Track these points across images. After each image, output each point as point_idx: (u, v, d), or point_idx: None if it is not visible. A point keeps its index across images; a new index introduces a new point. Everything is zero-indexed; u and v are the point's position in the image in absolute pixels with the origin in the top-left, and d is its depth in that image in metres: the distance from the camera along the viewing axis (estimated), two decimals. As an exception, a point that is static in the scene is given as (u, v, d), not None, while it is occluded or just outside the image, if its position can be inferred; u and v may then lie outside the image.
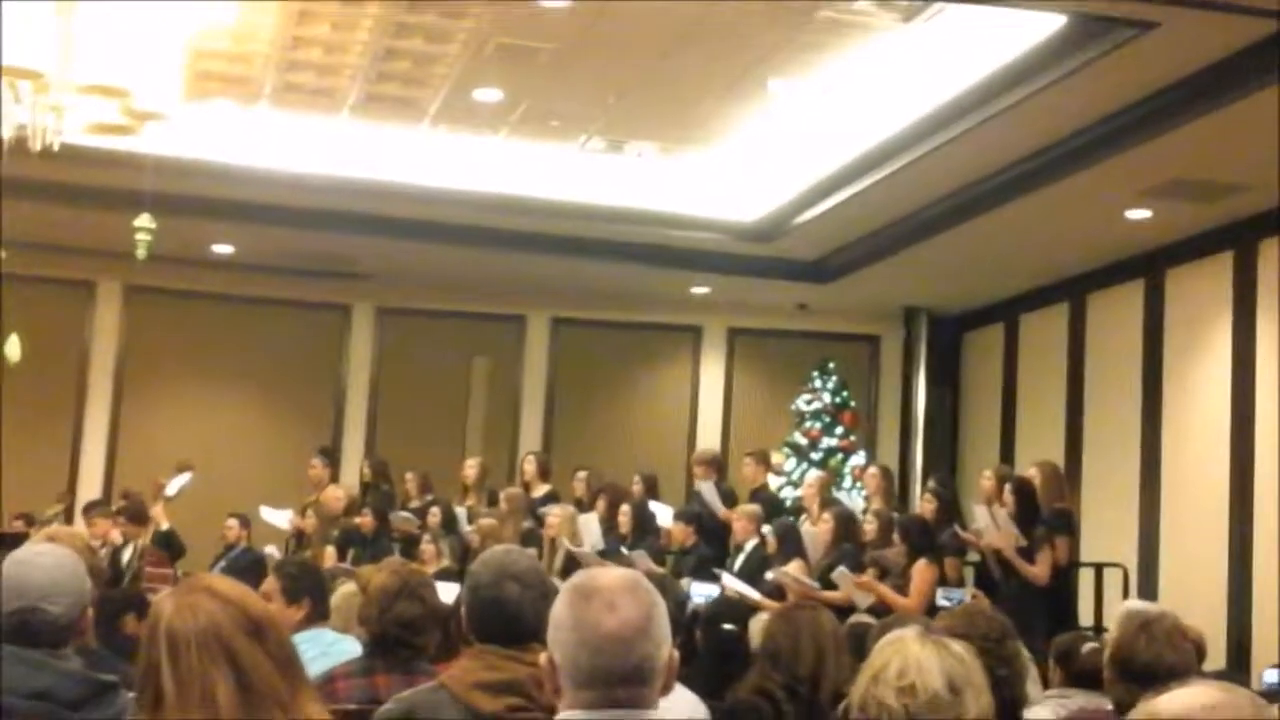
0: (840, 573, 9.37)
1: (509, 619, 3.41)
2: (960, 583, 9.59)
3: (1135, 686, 3.79)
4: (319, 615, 5.18)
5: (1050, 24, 8.68)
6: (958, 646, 3.24)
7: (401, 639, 4.43)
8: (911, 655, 3.10)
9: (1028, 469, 9.90)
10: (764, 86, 10.49)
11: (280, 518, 12.28)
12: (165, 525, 12.02)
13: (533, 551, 5.26)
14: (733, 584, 9.58)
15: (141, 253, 10.48)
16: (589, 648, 2.54)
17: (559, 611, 2.60)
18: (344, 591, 5.83)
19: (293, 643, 2.69)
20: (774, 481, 12.54)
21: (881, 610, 8.39)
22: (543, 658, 2.64)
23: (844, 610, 8.85)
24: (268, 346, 15.33)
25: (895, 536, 9.67)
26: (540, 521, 11.18)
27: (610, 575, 2.66)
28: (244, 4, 9.61)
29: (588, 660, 2.54)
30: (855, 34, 9.59)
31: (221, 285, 15.09)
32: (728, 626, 6.04)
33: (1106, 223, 11.59)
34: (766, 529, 10.24)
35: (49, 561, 3.60)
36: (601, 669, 2.54)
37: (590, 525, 10.84)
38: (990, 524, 9.36)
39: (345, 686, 4.25)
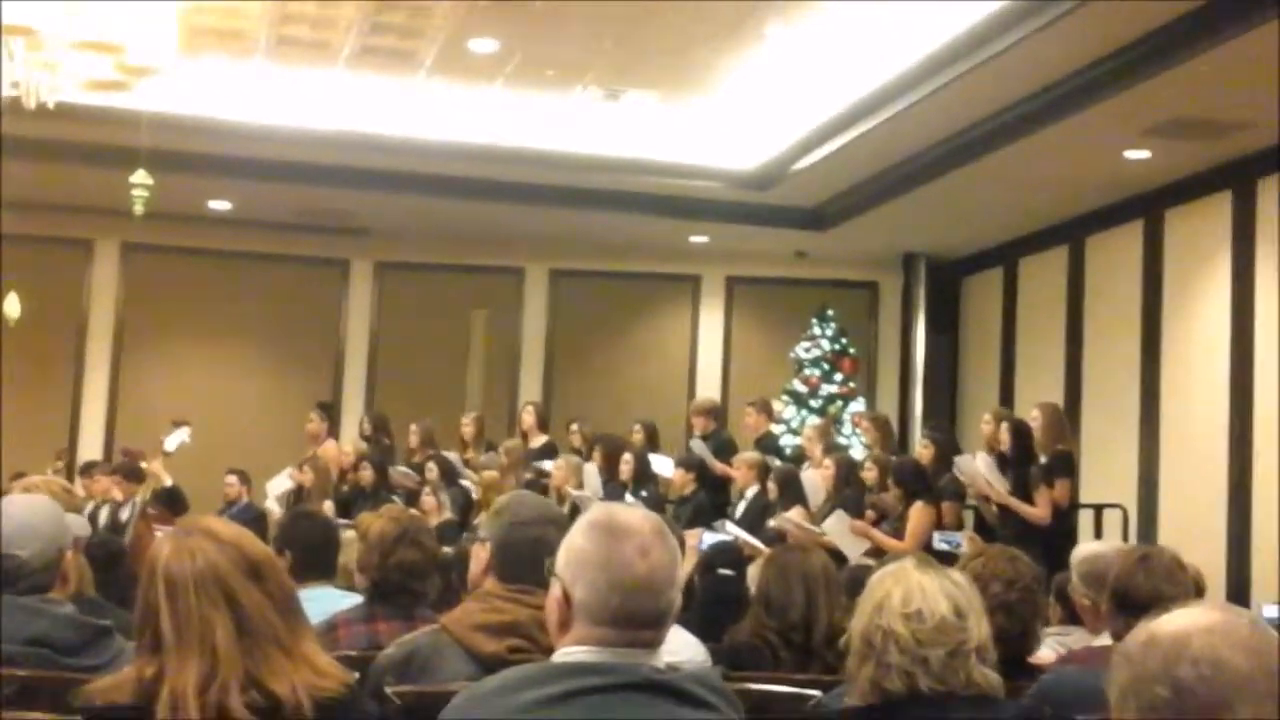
0: (835, 517, 9.40)
1: (543, 561, 3.42)
2: (959, 526, 9.61)
3: (1134, 620, 3.81)
4: (314, 569, 5.03)
5: (1045, -36, 8.64)
6: (956, 574, 3.25)
7: (402, 585, 4.44)
8: (914, 583, 3.12)
9: (1029, 411, 9.91)
10: (761, 32, 10.44)
11: (281, 484, 12.27)
12: (168, 481, 12.03)
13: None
14: (734, 531, 9.62)
15: (138, 209, 10.47)
16: (621, 589, 2.56)
17: (583, 547, 2.61)
18: (345, 539, 5.83)
19: (291, 584, 2.70)
20: (775, 430, 12.56)
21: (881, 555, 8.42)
22: (555, 590, 2.65)
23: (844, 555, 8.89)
24: (266, 302, 15.33)
25: (889, 480, 9.70)
26: (539, 473, 11.21)
27: (637, 516, 2.68)
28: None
29: (617, 600, 2.56)
30: (850, -23, 9.54)
31: (219, 241, 15.07)
32: (724, 571, 6.07)
33: (1106, 164, 11.56)
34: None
35: (17, 509, 3.61)
36: (630, 610, 2.57)
37: (590, 474, 10.87)
38: (974, 473, 9.38)
39: (346, 633, 4.26)
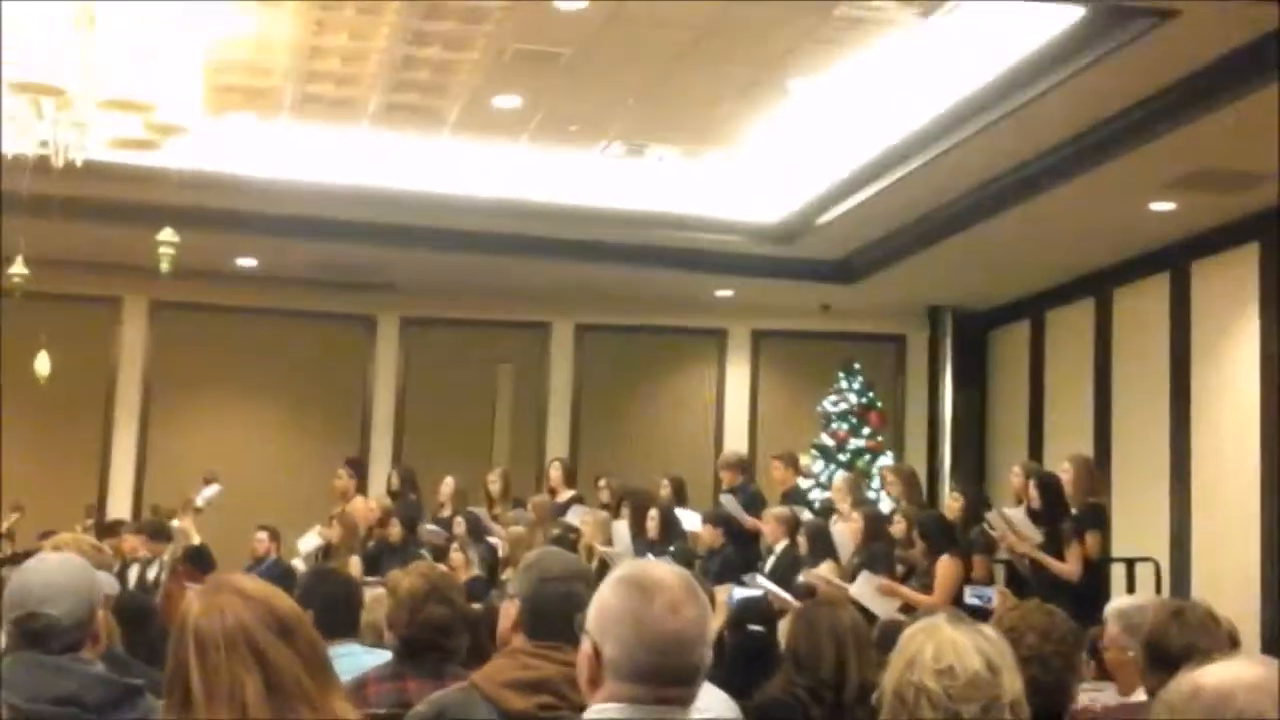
0: (862, 578, 9.33)
1: (573, 617, 3.40)
2: (990, 581, 9.55)
3: (1168, 675, 3.77)
4: (338, 627, 5.00)
5: (1069, 15, 8.64)
6: (988, 629, 3.22)
7: (431, 642, 4.41)
8: (946, 638, 3.09)
9: (1059, 465, 9.86)
10: (783, 86, 10.47)
11: (310, 541, 12.26)
12: (196, 539, 12.03)
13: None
14: (764, 586, 9.57)
15: (165, 267, 10.52)
16: (651, 646, 2.54)
17: (612, 604, 2.60)
18: (373, 596, 5.81)
19: (321, 642, 2.68)
20: (803, 484, 12.52)
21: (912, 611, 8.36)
22: (586, 646, 2.64)
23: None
24: (293, 359, 15.37)
25: (915, 534, 9.64)
26: (566, 529, 11.17)
27: (667, 572, 2.67)
28: (261, 15, 9.64)
29: (646, 658, 2.55)
30: (873, 30, 9.56)
31: (246, 299, 15.13)
32: (754, 627, 6.03)
33: (1131, 216, 11.55)
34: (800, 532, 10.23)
35: (50, 566, 3.61)
36: (660, 667, 2.55)
37: (620, 530, 10.84)
38: (1005, 528, 9.32)
39: (376, 690, 4.24)
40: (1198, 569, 11.93)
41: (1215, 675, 1.99)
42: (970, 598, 8.92)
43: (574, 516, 11.33)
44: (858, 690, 4.61)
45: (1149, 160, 10.02)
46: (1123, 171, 10.28)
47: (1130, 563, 11.23)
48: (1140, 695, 4.29)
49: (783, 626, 6.36)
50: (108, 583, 4.31)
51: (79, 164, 8.54)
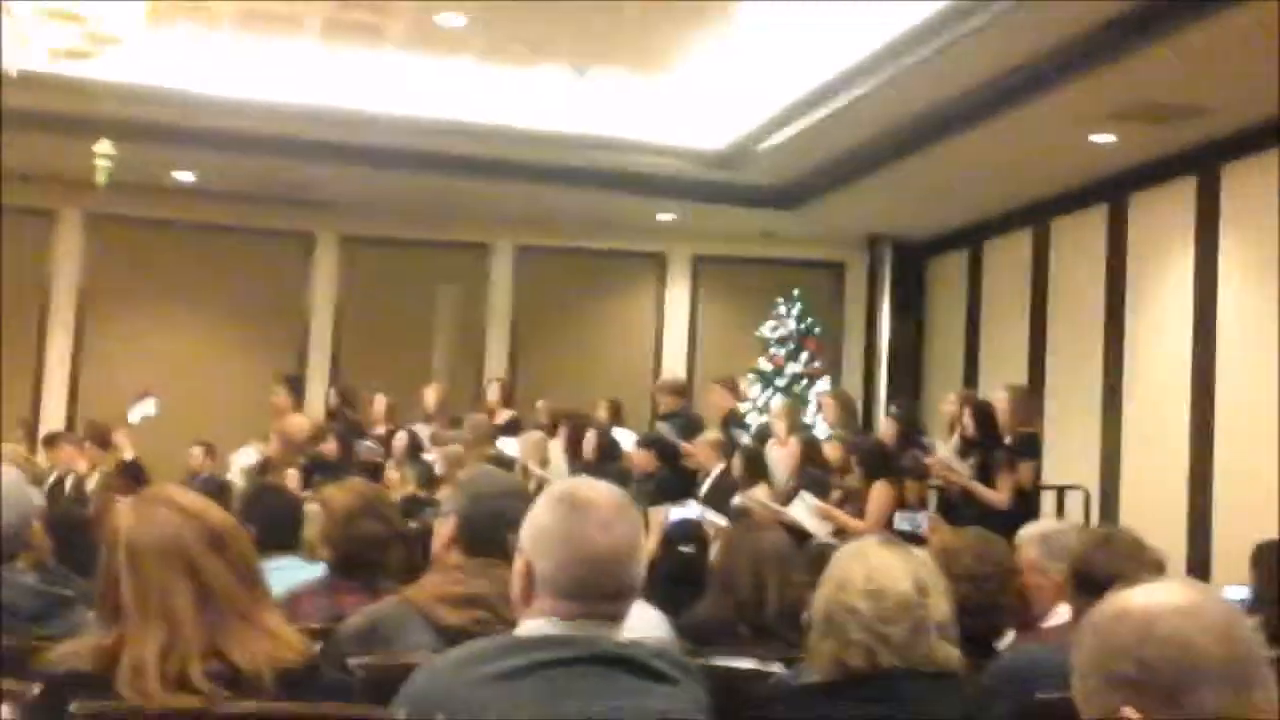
0: (800, 500, 9.41)
1: (507, 535, 3.41)
2: (923, 505, 9.64)
3: (1094, 599, 3.82)
4: (278, 542, 5.04)
5: (1015, -55, 8.64)
6: (918, 552, 3.27)
7: (365, 557, 4.42)
8: (876, 560, 3.13)
9: (994, 393, 9.93)
10: (727, 10, 10.42)
11: (246, 456, 12.22)
12: (129, 454, 11.97)
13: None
14: (697, 509, 9.62)
15: (102, 179, 10.42)
16: (583, 563, 2.57)
17: (545, 521, 2.62)
18: (309, 512, 5.80)
19: (254, 554, 2.69)
20: (739, 407, 12.57)
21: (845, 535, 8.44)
22: (519, 563, 2.66)
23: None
24: (232, 275, 15.25)
25: (853, 460, 9.72)
26: (502, 454, 11.19)
27: (600, 491, 2.69)
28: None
29: (580, 574, 2.57)
30: (820, -44, 9.52)
31: (184, 213, 14.98)
32: (686, 549, 6.08)
33: (1071, 147, 11.59)
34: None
35: None
36: (592, 584, 2.58)
37: (555, 452, 10.87)
38: (935, 462, 9.42)
39: (308, 604, 4.24)
40: (1126, 498, 12.08)
41: (1143, 598, 2.01)
42: (900, 522, 9.00)
43: (508, 447, 11.33)
44: (778, 611, 4.66)
45: (1090, 91, 10.05)
46: (1063, 102, 10.31)
47: (1060, 490, 11.36)
48: (1059, 618, 4.35)
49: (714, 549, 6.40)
50: (37, 495, 4.30)
51: (14, 74, 8.43)
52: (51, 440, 12.72)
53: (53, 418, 14.75)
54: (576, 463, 10.80)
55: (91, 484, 11.45)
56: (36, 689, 2.52)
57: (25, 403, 14.79)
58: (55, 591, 3.45)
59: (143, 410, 12.08)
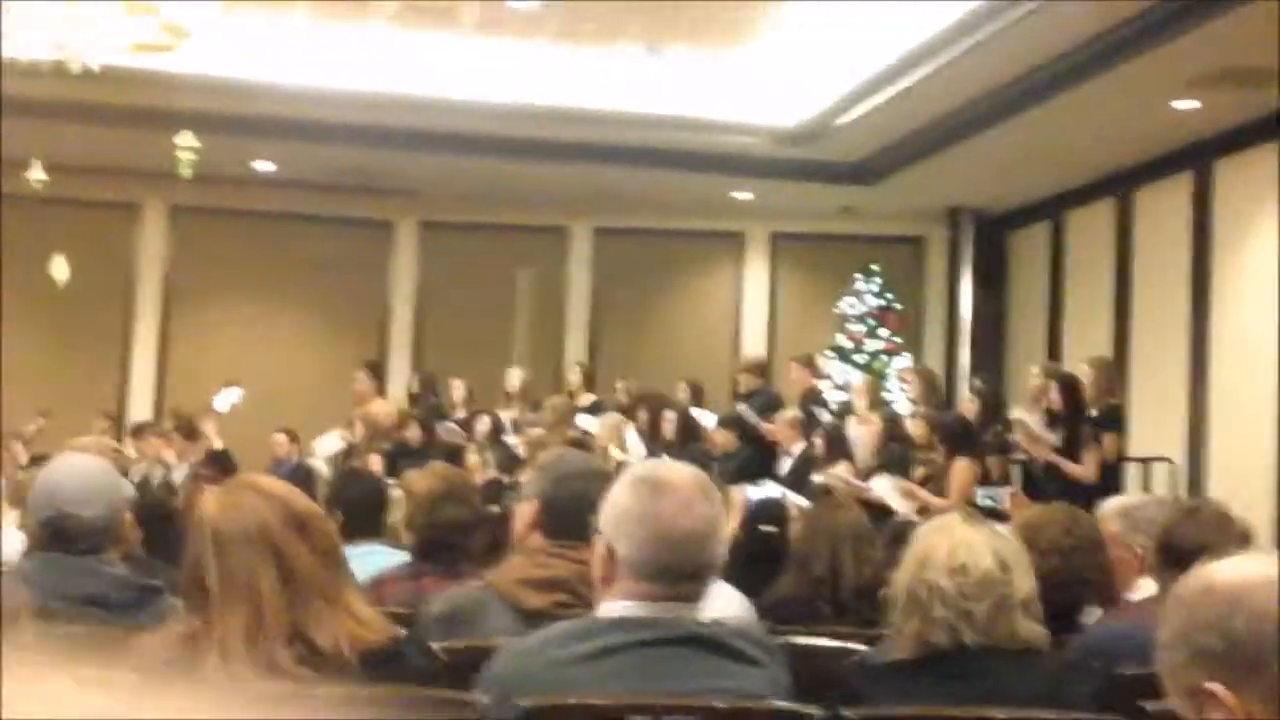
0: (880, 478, 9.37)
1: (588, 517, 3.43)
2: (1006, 481, 9.57)
3: (1180, 572, 3.79)
4: (364, 528, 5.06)
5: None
6: (1002, 528, 3.25)
7: (448, 542, 4.44)
8: (960, 537, 3.12)
9: (1077, 366, 9.85)
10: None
11: (331, 443, 12.34)
12: (218, 443, 12.11)
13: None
14: (777, 488, 9.62)
15: (184, 172, 10.52)
16: (664, 544, 2.58)
17: (626, 503, 2.63)
18: (392, 497, 5.85)
19: (337, 539, 2.72)
20: (820, 386, 12.55)
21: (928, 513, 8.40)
22: (600, 546, 2.67)
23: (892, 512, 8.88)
24: (313, 263, 15.37)
25: (935, 437, 9.66)
26: (583, 432, 11.23)
27: (679, 472, 2.70)
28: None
29: (661, 555, 2.58)
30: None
31: (265, 203, 15.13)
32: (767, 528, 6.08)
33: (1153, 115, 11.44)
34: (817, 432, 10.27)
35: (77, 468, 3.64)
36: (673, 565, 2.59)
37: (632, 436, 10.89)
38: (1024, 435, 9.33)
39: (392, 589, 4.28)
40: (1213, 470, 11.94)
41: (1229, 571, 2.00)
42: (982, 499, 8.94)
43: (588, 424, 11.38)
44: (855, 588, 4.65)
45: (1172, 58, 9.91)
46: (1145, 69, 10.18)
47: (1146, 462, 11.25)
48: (1145, 591, 4.31)
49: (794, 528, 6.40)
50: (127, 486, 4.35)
51: (96, 69, 8.53)
52: (139, 431, 12.91)
53: (139, 409, 14.95)
54: (656, 443, 10.81)
55: (179, 474, 11.59)
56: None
57: (112, 395, 15.01)
58: (144, 582, 3.49)
59: (228, 399, 12.21)
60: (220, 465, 12.03)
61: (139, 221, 15.46)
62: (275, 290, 15.46)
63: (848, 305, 14.71)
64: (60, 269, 12.38)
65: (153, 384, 15.38)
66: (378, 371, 13.81)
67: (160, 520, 5.51)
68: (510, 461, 11.02)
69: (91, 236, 14.24)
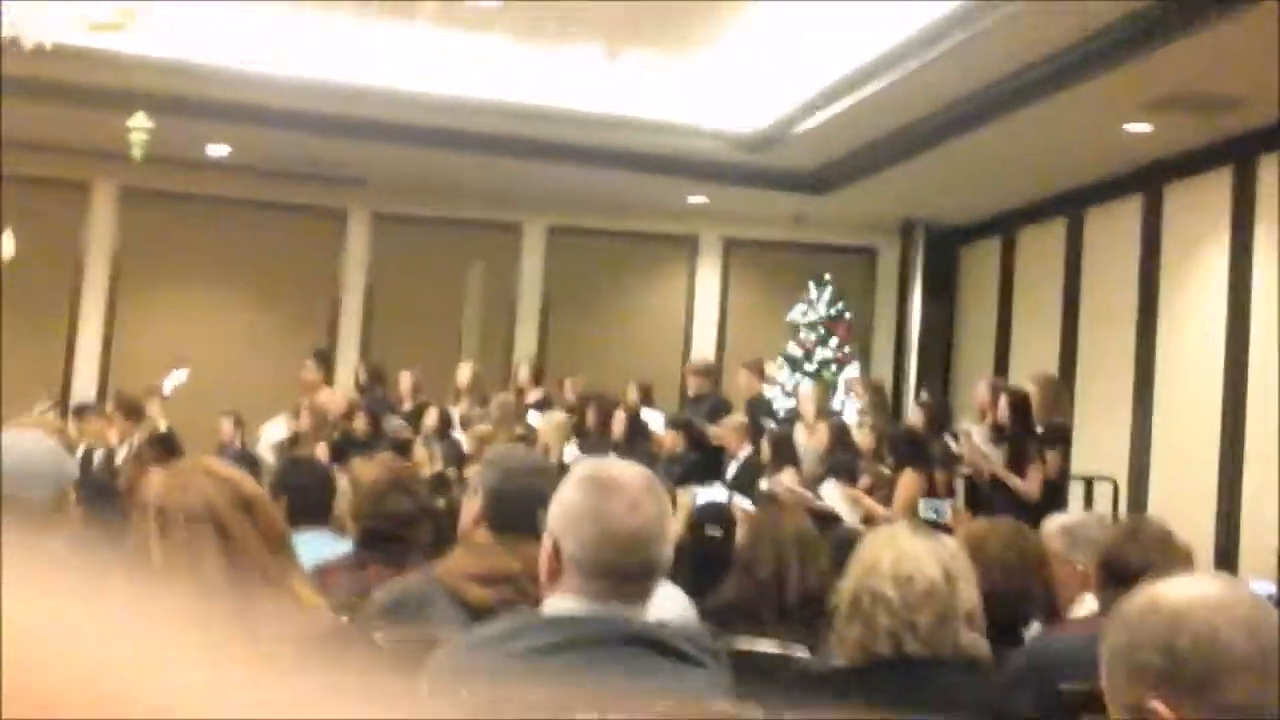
0: (828, 485, 9.41)
1: (535, 512, 3.42)
2: (950, 494, 9.61)
3: (1122, 590, 3.82)
4: (309, 514, 5.08)
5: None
6: (948, 540, 3.26)
7: (393, 533, 4.43)
8: (906, 547, 3.12)
9: (1024, 382, 9.90)
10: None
11: (277, 430, 12.26)
12: (163, 426, 12.01)
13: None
14: (725, 492, 9.63)
15: (136, 153, 10.45)
16: (611, 542, 2.57)
17: (574, 500, 2.62)
18: (339, 487, 5.82)
19: (284, 524, 2.70)
20: (768, 390, 12.57)
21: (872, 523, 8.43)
22: (546, 542, 2.66)
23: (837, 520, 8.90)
24: (264, 250, 15.28)
25: (884, 449, 9.70)
26: (530, 430, 11.22)
27: (627, 470, 2.69)
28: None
29: (607, 554, 2.57)
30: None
31: (217, 188, 15.02)
32: (712, 531, 6.08)
33: (1106, 136, 11.53)
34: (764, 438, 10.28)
35: (24, 448, 3.58)
36: (619, 564, 2.58)
37: (571, 449, 10.87)
38: (969, 447, 9.38)
39: (337, 578, 4.25)
40: (1155, 490, 12.03)
41: (1173, 591, 2.02)
42: (925, 510, 8.98)
43: (538, 421, 11.38)
44: (799, 595, 4.66)
45: (1127, 80, 9.99)
46: (1100, 91, 10.25)
47: (1089, 481, 11.33)
48: (1086, 608, 4.35)
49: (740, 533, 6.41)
50: (73, 465, 4.31)
51: (48, 46, 8.47)
52: (82, 412, 12.77)
53: (83, 391, 14.82)
54: (604, 443, 10.81)
55: (122, 456, 11.48)
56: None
57: (57, 375, 14.87)
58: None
59: (175, 380, 12.11)
60: (165, 447, 11.91)
61: (88, 201, 15.33)
62: (225, 275, 15.36)
63: (799, 313, 14.75)
64: (7, 245, 12.27)
65: (98, 365, 15.26)
66: (326, 360, 13.74)
67: (103, 500, 5.46)
68: (457, 456, 10.99)
69: (40, 214, 14.10)
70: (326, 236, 15.83)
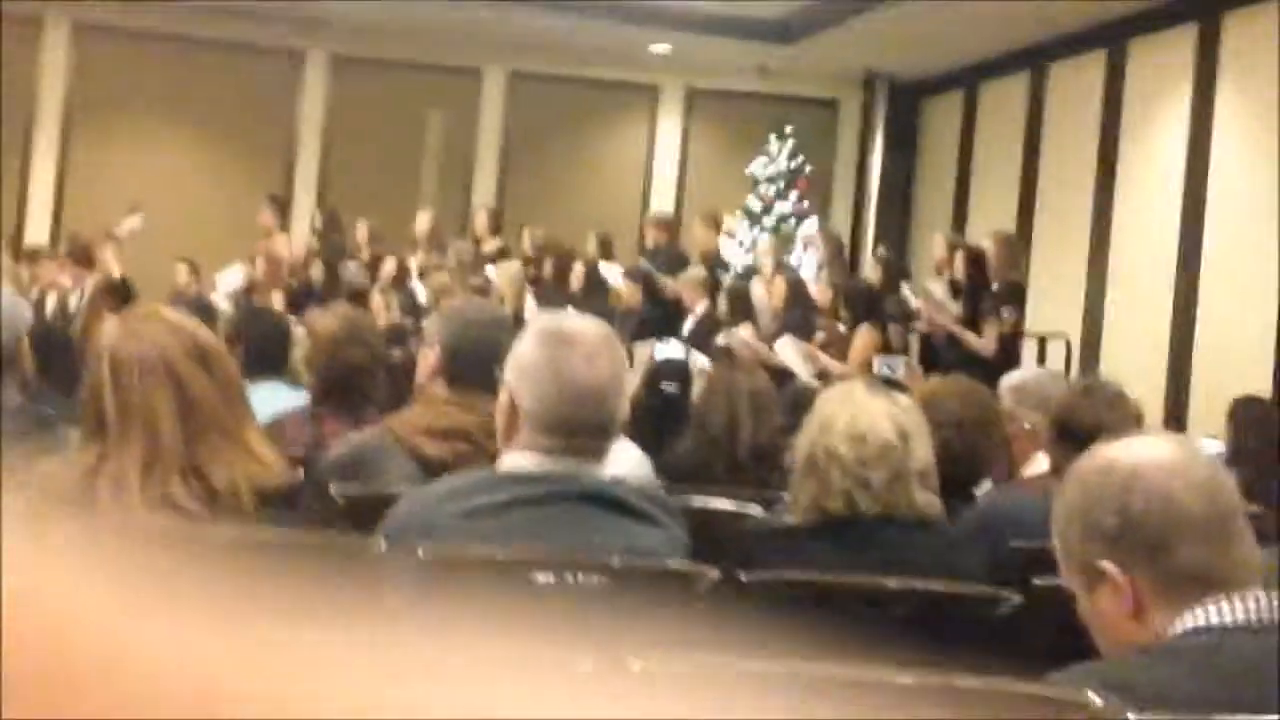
0: (783, 340, 9.42)
1: (492, 366, 3.40)
2: (905, 350, 9.65)
3: (1075, 449, 3.85)
4: (266, 364, 5.05)
5: None
6: (903, 398, 3.27)
7: (349, 384, 4.39)
8: (861, 405, 3.13)
9: (981, 238, 9.90)
10: None
11: (232, 278, 12.16)
12: (117, 271, 11.90)
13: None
14: (681, 347, 9.63)
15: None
16: (568, 397, 2.57)
17: (532, 355, 2.61)
18: (295, 337, 5.79)
19: (238, 374, 2.68)
20: (725, 244, 12.54)
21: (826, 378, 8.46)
22: (503, 397, 2.66)
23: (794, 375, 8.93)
24: (220, 90, 15.04)
25: (840, 304, 9.71)
26: (488, 280, 11.17)
27: (584, 324, 2.68)
28: None
29: (564, 409, 2.57)
30: None
31: (172, 25, 14.73)
32: (669, 387, 6.10)
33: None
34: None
35: None
36: (575, 418, 2.58)
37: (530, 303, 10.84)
38: (927, 303, 9.40)
39: (292, 431, 4.24)
40: (1108, 348, 12.11)
41: (1128, 452, 2.03)
42: (880, 367, 9.01)
43: (491, 272, 11.31)
44: (751, 450, 4.68)
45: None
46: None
47: (1043, 340, 11.39)
48: (1038, 467, 4.38)
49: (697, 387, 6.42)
50: (28, 311, 4.27)
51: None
52: (33, 256, 12.59)
53: (36, 234, 14.65)
54: (561, 295, 10.77)
55: (75, 302, 11.38)
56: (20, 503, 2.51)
57: (9, 218, 14.68)
58: (38, 411, 3.44)
59: (130, 225, 11.97)
60: (119, 294, 11.83)
61: (40, 38, 15.02)
62: (180, 116, 15.13)
63: (760, 166, 14.67)
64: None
65: (51, 205, 15.07)
66: (282, 206, 13.60)
67: (56, 348, 5.43)
68: (414, 306, 10.95)
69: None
70: (284, 78, 15.59)
